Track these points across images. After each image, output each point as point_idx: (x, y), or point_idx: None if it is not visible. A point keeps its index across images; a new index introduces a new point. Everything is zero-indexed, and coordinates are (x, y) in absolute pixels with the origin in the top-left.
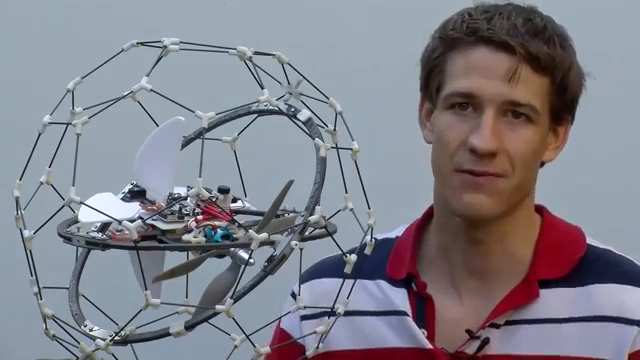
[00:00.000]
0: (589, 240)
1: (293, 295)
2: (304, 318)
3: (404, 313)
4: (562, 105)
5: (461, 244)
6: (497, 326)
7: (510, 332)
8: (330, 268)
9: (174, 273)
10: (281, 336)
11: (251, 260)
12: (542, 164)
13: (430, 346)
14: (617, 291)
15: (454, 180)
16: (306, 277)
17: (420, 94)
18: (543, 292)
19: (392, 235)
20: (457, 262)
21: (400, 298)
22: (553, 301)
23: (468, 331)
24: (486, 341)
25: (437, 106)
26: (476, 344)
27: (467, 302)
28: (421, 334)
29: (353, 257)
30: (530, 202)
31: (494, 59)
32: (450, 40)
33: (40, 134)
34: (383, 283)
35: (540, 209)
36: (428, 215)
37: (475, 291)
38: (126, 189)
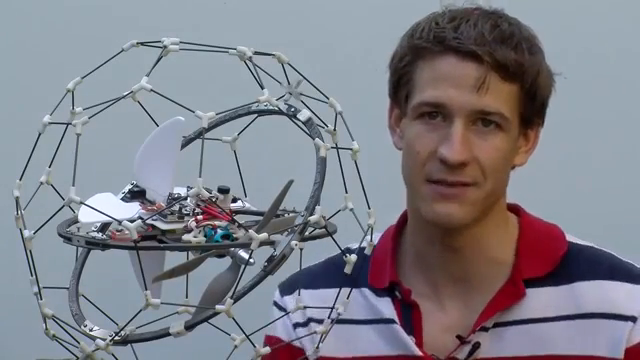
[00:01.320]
0: (569, 237)
1: (275, 304)
2: (297, 326)
3: (392, 321)
4: (532, 110)
5: (438, 251)
6: (486, 329)
7: (499, 334)
8: (318, 278)
9: (174, 273)
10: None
11: (251, 260)
12: (513, 167)
13: (420, 353)
14: (606, 287)
15: (425, 191)
16: (289, 288)
17: (389, 100)
18: (529, 291)
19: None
20: (436, 268)
21: (386, 306)
22: (540, 301)
23: (459, 337)
24: (477, 345)
25: (406, 115)
26: (467, 349)
27: (450, 307)
28: (410, 341)
29: (353, 257)
30: (502, 204)
31: (462, 69)
32: (417, 49)
33: (40, 134)
34: (367, 291)
35: (515, 209)
36: (403, 220)
37: (457, 296)
38: (126, 189)
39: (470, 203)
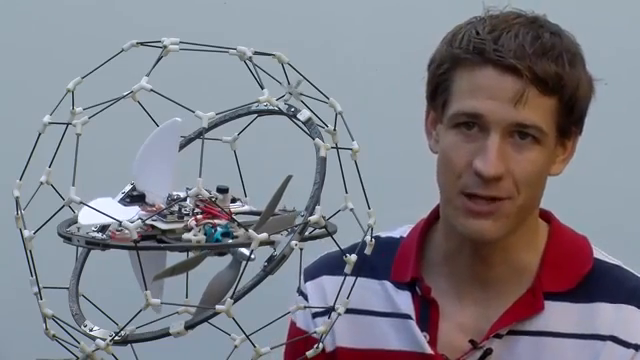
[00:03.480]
0: (596, 253)
1: (301, 293)
2: (316, 316)
3: (408, 316)
4: (570, 121)
5: (466, 255)
6: (500, 336)
7: (512, 342)
8: (335, 265)
9: (175, 271)
10: (296, 334)
11: (252, 255)
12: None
13: (431, 351)
14: (622, 311)
15: (458, 203)
16: (312, 274)
17: (426, 104)
18: (547, 304)
19: (396, 235)
20: (461, 270)
21: (404, 301)
22: (557, 315)
23: (472, 341)
24: (489, 352)
25: (443, 122)
26: (478, 354)
27: (470, 308)
28: (423, 338)
29: (353, 257)
30: (535, 212)
31: (501, 81)
32: (456, 58)
33: (40, 134)
34: (388, 284)
35: (547, 216)
36: (434, 217)
37: (478, 298)
38: (126, 189)
39: (503, 217)
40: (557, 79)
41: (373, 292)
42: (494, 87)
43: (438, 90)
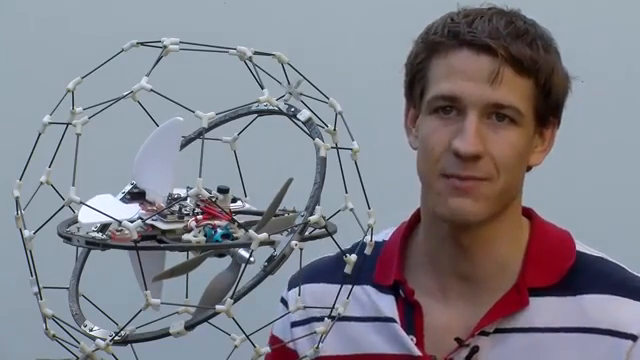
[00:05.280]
0: (579, 246)
1: (282, 301)
2: (294, 325)
3: (392, 320)
4: (547, 108)
5: (448, 250)
6: (486, 334)
7: (499, 340)
8: (321, 273)
9: (174, 272)
10: (273, 342)
11: (252, 258)
12: (529, 168)
13: (419, 353)
14: (610, 303)
15: (439, 185)
16: (295, 283)
17: (405, 100)
18: (533, 300)
19: (378, 239)
20: (445, 267)
21: (387, 304)
22: (543, 310)
23: (458, 339)
24: (475, 349)
25: (421, 111)
26: (465, 352)
27: (455, 308)
28: (409, 341)
29: (353, 257)
30: (517, 206)
31: (476, 62)
32: (432, 44)
33: (40, 134)
34: (370, 289)
35: (529, 212)
36: (415, 219)
37: (463, 296)
38: (126, 189)
39: (484, 198)
40: (532, 61)
41: (354, 298)
42: (470, 68)
43: (415, 79)
